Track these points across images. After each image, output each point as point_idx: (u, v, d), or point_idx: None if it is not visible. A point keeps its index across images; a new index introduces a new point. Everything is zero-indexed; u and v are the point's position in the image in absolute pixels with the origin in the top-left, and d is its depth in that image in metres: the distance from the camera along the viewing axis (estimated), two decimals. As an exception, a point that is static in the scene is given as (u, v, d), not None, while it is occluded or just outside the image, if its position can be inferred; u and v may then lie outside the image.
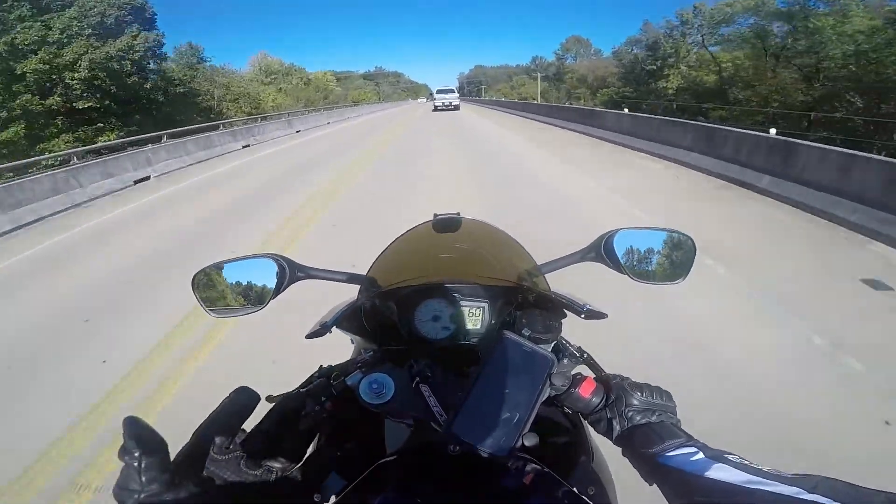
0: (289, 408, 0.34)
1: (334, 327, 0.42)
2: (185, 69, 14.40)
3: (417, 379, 0.35)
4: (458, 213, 0.49)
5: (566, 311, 0.43)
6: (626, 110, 7.17)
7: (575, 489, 0.32)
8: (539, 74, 31.93)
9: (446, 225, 0.49)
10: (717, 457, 0.27)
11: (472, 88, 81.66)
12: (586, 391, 0.35)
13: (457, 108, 19.35)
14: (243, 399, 0.27)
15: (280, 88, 25.08)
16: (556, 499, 0.30)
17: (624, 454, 0.33)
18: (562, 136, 7.25)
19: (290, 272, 0.41)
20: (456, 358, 0.41)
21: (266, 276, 0.41)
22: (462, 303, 0.45)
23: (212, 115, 13.71)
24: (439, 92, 20.81)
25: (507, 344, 0.33)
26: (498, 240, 0.51)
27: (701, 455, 0.28)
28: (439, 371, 0.37)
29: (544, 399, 0.32)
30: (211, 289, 0.43)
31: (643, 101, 16.08)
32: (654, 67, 18.65)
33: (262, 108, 17.73)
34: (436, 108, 19.87)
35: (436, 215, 0.50)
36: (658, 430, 0.31)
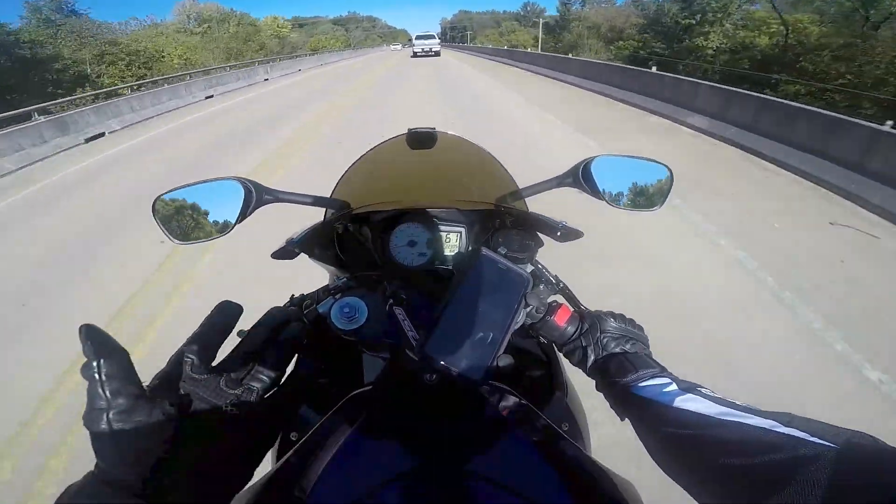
0: (265, 331, 0.32)
1: (307, 257, 0.41)
2: (39, 27, 11.18)
3: (391, 301, 0.35)
4: (434, 129, 0.45)
5: (542, 231, 0.42)
6: (653, 69, 5.50)
7: (550, 422, 0.32)
8: (540, 20, 26.60)
9: (421, 140, 0.45)
10: (690, 388, 0.28)
11: (456, 35, 74.09)
12: (561, 319, 0.35)
13: (437, 54, 18.00)
14: (225, 315, 0.25)
15: (210, 38, 19.94)
16: (533, 431, 0.31)
17: (598, 388, 0.34)
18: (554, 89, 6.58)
19: (256, 195, 0.38)
20: (432, 283, 0.41)
21: (231, 200, 0.39)
22: (439, 227, 0.45)
23: (87, 86, 10.65)
24: (418, 38, 19.16)
25: (482, 261, 0.33)
26: (475, 157, 0.48)
27: (674, 386, 0.28)
28: (414, 294, 0.37)
29: (520, 321, 0.33)
30: (173, 214, 0.40)
31: (680, 60, 12.01)
32: (692, 21, 14.78)
33: (163, 69, 13.37)
34: (415, 55, 18.39)
35: (410, 129, 0.45)
36: (632, 360, 0.32)
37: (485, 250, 0.33)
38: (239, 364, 0.25)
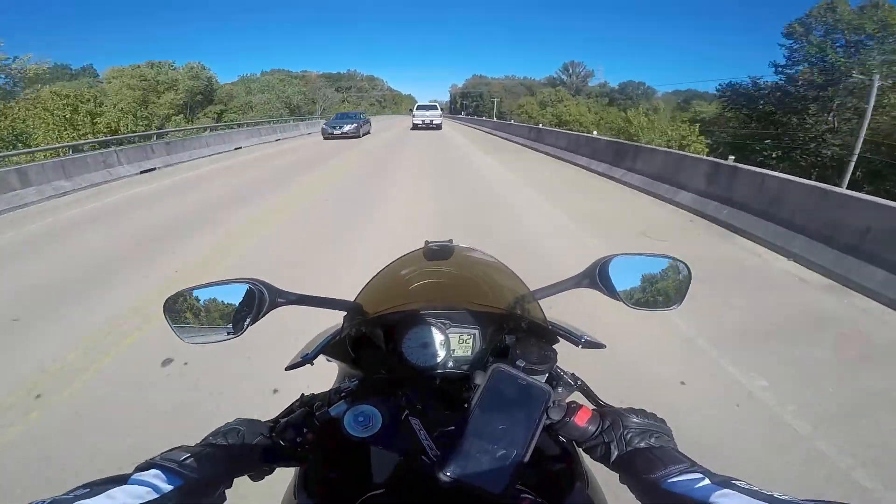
0: (270, 436, 0.50)
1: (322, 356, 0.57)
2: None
3: (407, 412, 0.49)
4: (451, 241, 0.63)
5: (563, 339, 0.58)
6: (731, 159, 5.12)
7: None
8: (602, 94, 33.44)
9: (438, 253, 0.62)
10: (725, 482, 0.36)
11: (471, 102, 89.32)
12: (582, 420, 0.48)
13: (438, 126, 22.63)
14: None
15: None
16: None
17: (622, 480, 0.45)
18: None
19: (269, 297, 0.53)
20: (446, 387, 0.57)
21: (243, 302, 0.54)
22: (452, 329, 0.61)
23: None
24: (419, 108, 24.39)
25: (500, 377, 0.45)
26: (490, 266, 0.65)
27: (707, 481, 0.37)
28: (429, 402, 0.52)
29: (540, 433, 0.44)
30: (184, 314, 0.55)
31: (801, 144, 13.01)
32: (821, 93, 15.06)
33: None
34: (414, 126, 23.00)
35: (427, 242, 0.63)
36: (660, 455, 0.42)
37: (502, 366, 0.46)
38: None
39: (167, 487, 0.38)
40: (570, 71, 68.34)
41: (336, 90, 68.05)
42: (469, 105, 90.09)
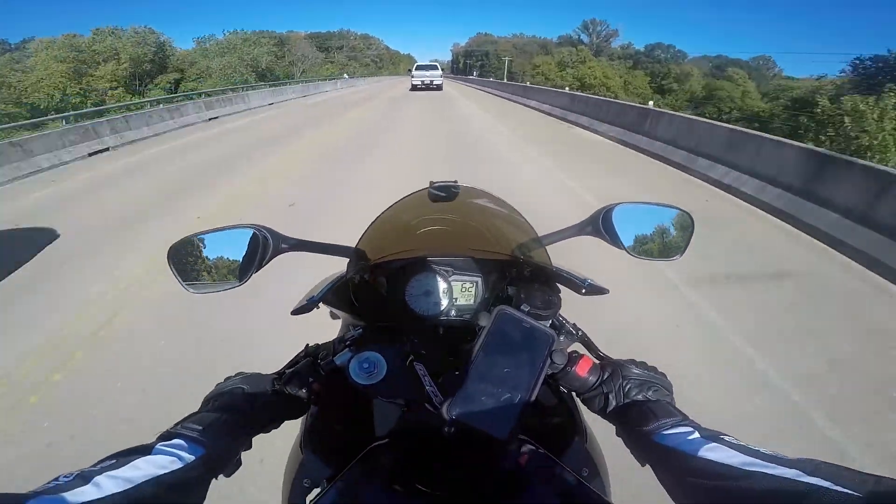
0: (274, 390, 0.55)
1: (321, 303, 0.62)
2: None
3: (411, 357, 0.54)
4: (456, 181, 0.66)
5: (566, 286, 0.64)
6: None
7: (569, 469, 0.49)
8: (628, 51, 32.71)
9: (442, 194, 0.66)
10: (714, 437, 0.42)
11: (475, 62, 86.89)
12: (583, 370, 0.53)
13: (439, 87, 23.78)
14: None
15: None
16: (552, 480, 0.46)
17: (618, 434, 0.51)
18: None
19: (273, 243, 0.59)
20: (450, 335, 0.64)
21: (247, 248, 0.59)
22: (455, 277, 0.67)
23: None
24: (419, 68, 24.96)
25: (505, 319, 0.50)
26: (497, 209, 0.70)
27: (697, 435, 0.43)
28: (433, 348, 0.57)
29: (544, 378, 0.48)
30: (188, 261, 0.60)
31: None
32: None
33: None
34: (413, 87, 23.96)
35: (432, 183, 0.66)
36: (654, 408, 0.48)
37: (508, 309, 0.50)
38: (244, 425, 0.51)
39: (190, 457, 0.43)
40: (591, 30, 66.44)
41: (320, 49, 66.05)
42: (473, 65, 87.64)
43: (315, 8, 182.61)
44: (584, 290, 0.63)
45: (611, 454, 0.64)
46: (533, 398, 0.47)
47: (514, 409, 0.46)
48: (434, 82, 23.54)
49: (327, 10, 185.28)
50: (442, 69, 26.90)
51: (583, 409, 0.59)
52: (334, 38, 78.11)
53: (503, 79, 39.20)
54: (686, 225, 0.65)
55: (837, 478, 0.32)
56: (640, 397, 0.51)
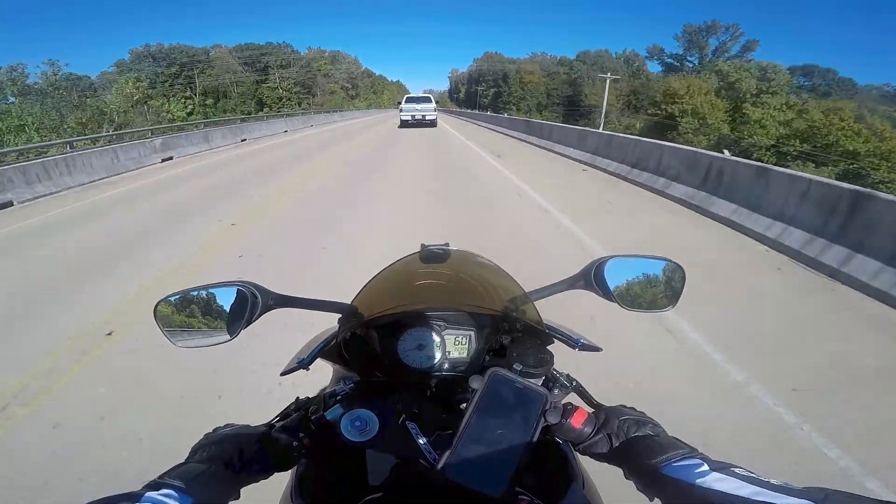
0: (263, 444, 0.77)
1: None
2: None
3: (403, 416, 0.79)
4: (447, 244, 0.99)
5: (560, 342, 0.95)
6: None
7: None
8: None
9: (434, 256, 0.97)
10: (723, 468, 0.59)
11: (485, 90, 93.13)
12: (578, 421, 0.76)
13: (433, 123, 30.04)
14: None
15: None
16: None
17: (625, 472, 0.71)
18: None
19: (262, 300, 0.84)
20: (442, 389, 0.92)
21: (236, 305, 0.85)
22: (447, 331, 0.99)
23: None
24: (409, 100, 31.51)
25: (498, 381, 0.73)
26: (486, 269, 1.03)
27: (706, 466, 0.60)
28: (426, 405, 0.84)
29: (537, 436, 0.69)
30: (175, 317, 0.87)
31: None
32: None
33: None
34: (403, 124, 30.09)
35: (423, 246, 0.98)
36: (660, 442, 0.68)
37: (500, 371, 0.74)
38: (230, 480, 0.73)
39: None
40: (694, 40, 77.39)
41: (248, 66, 72.84)
42: (484, 94, 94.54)
43: (278, 25, 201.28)
44: (577, 349, 0.94)
45: (610, 500, 0.92)
46: (525, 457, 0.69)
47: (508, 468, 0.69)
48: (427, 117, 29.37)
49: (291, 28, 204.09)
50: (437, 101, 35.37)
51: (580, 458, 0.86)
52: (274, 51, 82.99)
53: (598, 126, 41.94)
54: (677, 276, 0.98)
55: None
56: (640, 434, 0.74)
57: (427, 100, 31.00)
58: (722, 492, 0.57)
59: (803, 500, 0.50)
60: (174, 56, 75.68)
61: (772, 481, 0.57)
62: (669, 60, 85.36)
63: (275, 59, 79.62)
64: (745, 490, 0.56)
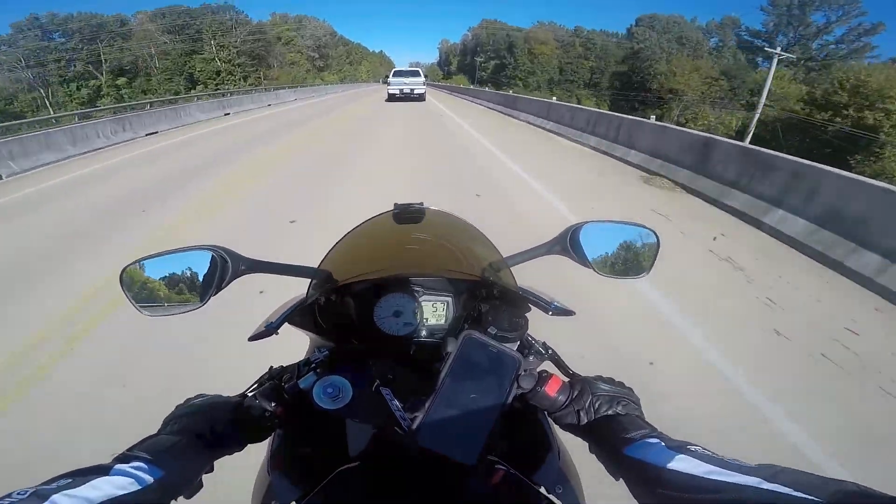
0: (236, 414, 1.00)
1: (284, 324, 1.15)
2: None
3: (377, 382, 1.04)
4: (422, 203, 1.24)
5: (534, 306, 1.20)
6: None
7: (543, 488, 1.02)
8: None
9: (408, 216, 1.24)
10: (680, 448, 0.82)
11: (484, 62, 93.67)
12: (552, 389, 1.00)
13: (421, 97, 37.45)
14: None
15: None
16: (524, 499, 0.95)
17: (591, 450, 0.99)
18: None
19: (232, 265, 1.04)
20: (419, 356, 1.24)
21: (205, 270, 1.06)
22: (424, 297, 1.31)
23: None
24: (397, 74, 38.99)
25: (471, 344, 0.96)
26: (462, 231, 1.34)
27: (663, 446, 0.84)
28: (401, 371, 1.10)
29: (511, 401, 0.93)
30: (142, 284, 1.08)
31: None
32: None
33: None
34: (391, 97, 37.45)
35: (396, 205, 1.24)
36: (623, 422, 0.94)
37: (474, 334, 0.98)
38: (208, 448, 0.97)
39: (149, 479, 0.76)
40: (802, 15, 75.96)
41: (173, 34, 73.99)
42: (483, 66, 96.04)
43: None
44: (550, 312, 1.18)
45: (585, 470, 1.18)
46: (498, 422, 0.90)
47: (480, 435, 0.89)
48: (415, 91, 37.04)
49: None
50: (426, 75, 41.97)
51: (555, 427, 1.09)
52: (211, 14, 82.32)
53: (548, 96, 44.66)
54: (651, 242, 1.25)
55: (797, 483, 0.63)
56: (609, 412, 0.97)
57: (415, 73, 38.55)
58: (678, 471, 0.77)
59: (753, 478, 0.68)
60: (73, 27, 75.51)
61: (726, 459, 0.77)
62: (748, 38, 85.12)
63: (210, 25, 79.43)
64: (700, 469, 0.75)
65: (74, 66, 74.21)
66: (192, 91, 63.30)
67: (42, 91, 70.53)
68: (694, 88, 67.34)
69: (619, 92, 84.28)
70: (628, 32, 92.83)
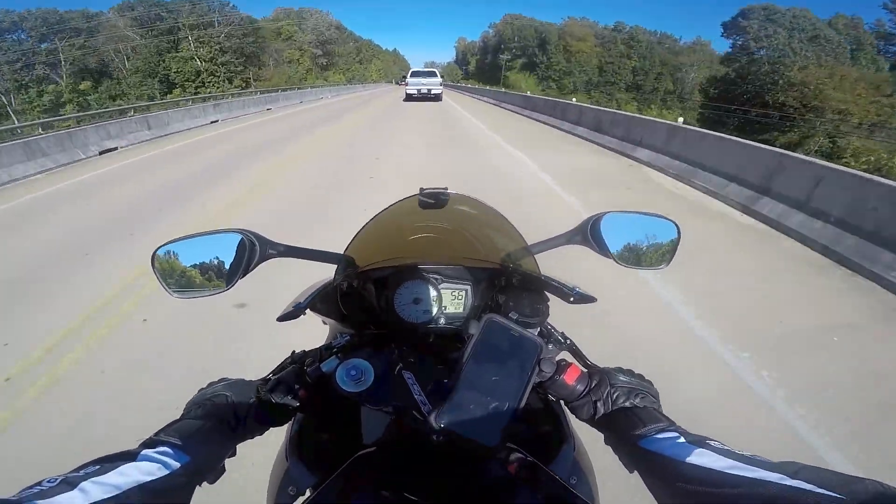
0: (259, 398, 1.23)
1: (308, 310, 1.44)
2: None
3: (400, 365, 1.25)
4: (446, 188, 1.51)
5: (554, 294, 1.54)
6: None
7: (558, 478, 1.19)
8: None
9: (432, 202, 1.50)
10: (699, 442, 0.96)
11: (512, 61, 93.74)
12: (571, 378, 1.22)
13: (437, 97, 45.87)
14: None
15: None
16: (540, 488, 1.14)
17: (606, 441, 1.19)
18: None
19: (259, 249, 1.31)
20: (438, 343, 1.55)
21: (234, 253, 1.32)
22: (444, 285, 1.63)
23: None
24: (414, 74, 48.30)
25: (493, 328, 1.16)
26: (486, 217, 1.63)
27: (682, 440, 0.98)
28: (422, 357, 1.32)
29: (532, 386, 1.13)
30: (173, 266, 1.34)
31: None
32: None
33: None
34: (409, 97, 46.45)
35: (422, 189, 1.49)
36: (640, 415, 1.12)
37: (496, 317, 1.21)
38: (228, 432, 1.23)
39: (176, 464, 0.91)
40: None
41: (144, 31, 73.81)
42: (509, 64, 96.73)
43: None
44: (572, 299, 1.41)
45: (599, 461, 1.41)
46: (521, 406, 1.05)
47: (502, 417, 1.04)
48: (432, 91, 45.87)
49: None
50: (442, 75, 52.70)
51: (571, 416, 1.30)
52: (188, 2, 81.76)
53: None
54: (673, 233, 1.49)
55: (819, 480, 0.72)
56: (627, 404, 1.14)
57: (432, 74, 48.31)
58: (697, 465, 0.88)
59: (776, 474, 0.76)
60: (24, 25, 75.90)
61: (746, 454, 0.87)
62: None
63: (189, 17, 79.07)
64: (720, 463, 0.85)
65: (35, 69, 74.53)
66: (169, 95, 65.24)
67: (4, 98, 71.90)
68: (861, 107, 57.71)
69: (717, 105, 72.45)
70: (729, 26, 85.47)
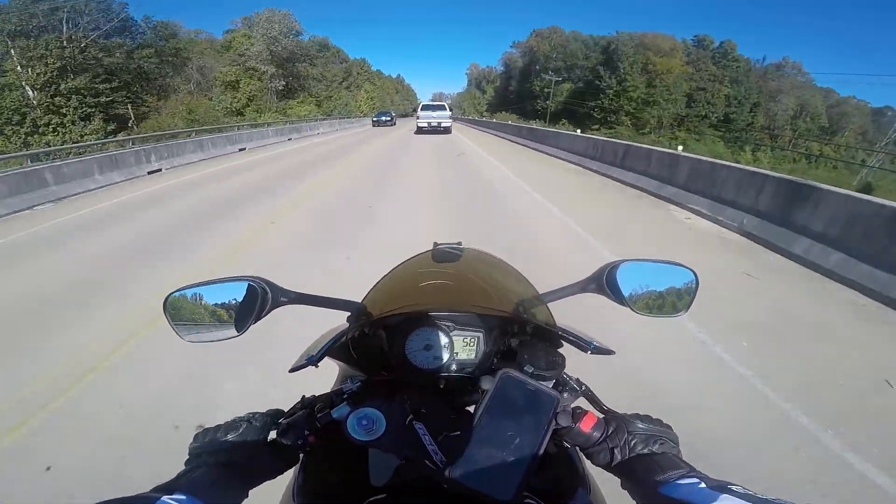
0: (273, 442, 1.91)
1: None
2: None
3: (410, 416, 1.83)
4: (460, 243, 3.13)
5: (571, 345, 2.36)
6: None
7: None
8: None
9: (446, 255, 2.88)
10: (721, 487, 1.42)
11: (549, 86, 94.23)
12: (587, 426, 1.92)
13: (447, 130, 73.10)
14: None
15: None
16: None
17: (623, 486, 1.85)
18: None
19: (272, 296, 1.97)
20: (450, 390, 2.35)
21: (245, 300, 1.95)
22: (455, 332, 2.41)
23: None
24: (425, 108, 75.57)
25: (509, 383, 1.77)
26: (498, 269, 3.02)
27: (704, 486, 1.49)
28: (433, 405, 1.93)
29: (548, 439, 1.71)
30: (184, 311, 2.05)
31: None
32: None
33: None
34: (419, 130, 73.62)
35: (436, 244, 3.06)
36: (660, 460, 1.74)
37: (511, 372, 1.91)
38: (234, 477, 1.91)
39: None
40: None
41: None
42: (546, 90, 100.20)
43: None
44: (589, 351, 2.09)
45: None
46: (537, 459, 1.53)
47: (518, 472, 1.50)
48: (442, 124, 68.13)
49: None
50: (450, 108, 73.76)
51: (587, 462, 1.95)
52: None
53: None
54: (690, 281, 2.13)
55: None
56: (645, 451, 1.72)
57: (441, 107, 68.96)
58: None
59: None
60: None
61: (769, 499, 1.13)
62: None
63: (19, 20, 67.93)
64: None
65: None
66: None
67: None
68: None
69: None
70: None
